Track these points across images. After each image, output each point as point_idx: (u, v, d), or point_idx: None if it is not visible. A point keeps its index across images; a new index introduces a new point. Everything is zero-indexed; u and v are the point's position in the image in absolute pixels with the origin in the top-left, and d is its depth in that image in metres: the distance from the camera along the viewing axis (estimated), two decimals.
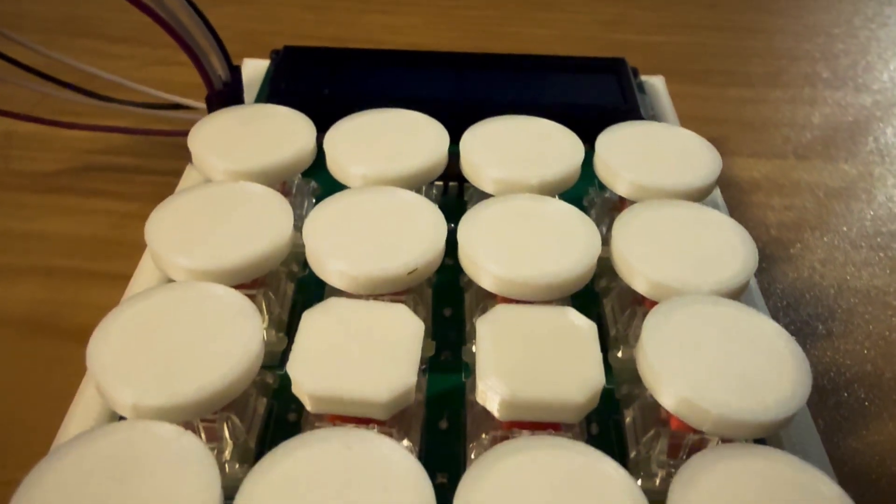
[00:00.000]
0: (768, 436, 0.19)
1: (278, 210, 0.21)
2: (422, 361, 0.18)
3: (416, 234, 0.20)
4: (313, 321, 0.18)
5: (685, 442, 0.18)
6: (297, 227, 0.21)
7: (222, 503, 0.14)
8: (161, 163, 0.32)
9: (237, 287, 0.19)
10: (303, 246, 0.20)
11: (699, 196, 0.23)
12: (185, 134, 0.24)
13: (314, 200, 0.25)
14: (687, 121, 0.32)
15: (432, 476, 0.18)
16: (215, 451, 0.18)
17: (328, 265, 0.19)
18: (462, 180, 0.24)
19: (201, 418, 0.17)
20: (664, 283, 0.19)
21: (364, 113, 0.25)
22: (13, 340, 0.24)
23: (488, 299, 0.21)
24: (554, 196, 0.22)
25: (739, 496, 0.15)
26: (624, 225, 0.21)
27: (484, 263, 0.19)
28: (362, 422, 0.17)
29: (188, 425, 0.17)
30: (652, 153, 0.24)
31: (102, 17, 0.42)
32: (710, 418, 0.16)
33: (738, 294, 0.19)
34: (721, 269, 0.19)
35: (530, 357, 0.17)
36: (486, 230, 0.20)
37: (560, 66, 0.32)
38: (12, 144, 0.33)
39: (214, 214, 0.20)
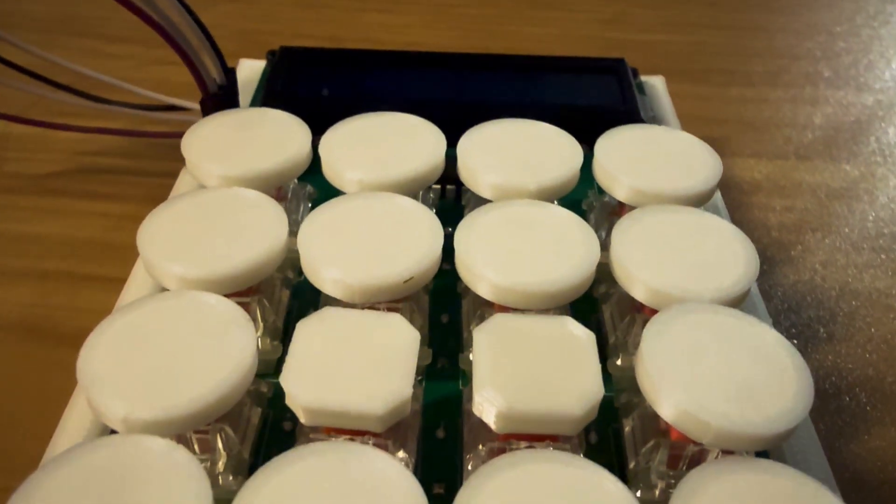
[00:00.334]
0: (770, 448, 0.18)
1: (273, 216, 0.20)
2: (418, 370, 0.18)
3: (413, 241, 0.20)
4: (307, 331, 0.17)
5: (685, 453, 0.18)
6: (293, 232, 0.20)
7: None
8: (157, 164, 0.32)
9: (231, 295, 0.19)
10: (298, 252, 0.20)
11: (699, 201, 0.22)
12: (181, 135, 0.24)
13: (310, 205, 0.25)
14: (687, 121, 0.32)
15: (429, 487, 0.18)
16: (208, 463, 0.18)
17: (323, 273, 0.19)
18: (460, 183, 0.24)
19: (194, 430, 0.17)
20: (664, 290, 0.19)
21: (360, 117, 0.24)
22: (7, 344, 0.24)
23: (486, 306, 0.21)
24: (552, 201, 0.22)
25: None
26: (623, 231, 0.20)
27: (481, 271, 0.19)
28: (358, 433, 0.17)
29: (181, 437, 0.17)
30: (651, 157, 0.23)
31: (100, 16, 0.42)
32: (711, 431, 0.16)
33: (739, 302, 0.19)
34: (722, 276, 0.19)
35: (528, 368, 0.17)
36: (483, 237, 0.20)
37: (559, 67, 0.31)
38: (7, 146, 0.33)
39: (208, 221, 0.20)
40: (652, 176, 0.22)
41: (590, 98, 0.30)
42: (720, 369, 0.17)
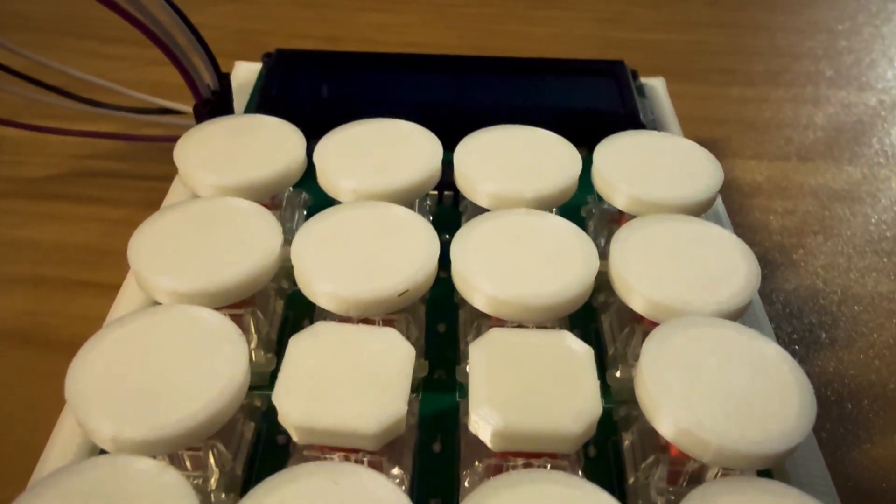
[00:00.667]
0: (771, 467, 0.18)
1: (266, 227, 0.20)
2: (414, 382, 0.17)
3: (408, 253, 0.19)
4: (300, 347, 0.17)
5: (685, 469, 0.17)
6: (288, 240, 0.20)
7: None
8: (151, 168, 0.31)
9: (224, 307, 0.19)
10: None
11: (700, 210, 0.22)
12: (175, 139, 0.23)
13: (305, 212, 0.25)
14: (687, 121, 0.31)
15: (425, 502, 0.18)
16: (200, 480, 0.17)
17: (317, 287, 0.18)
18: (457, 189, 0.24)
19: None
20: (663, 303, 0.18)
21: (354, 123, 0.24)
22: (0, 352, 0.24)
23: (483, 318, 0.20)
24: (551, 210, 0.22)
25: None
26: (622, 241, 0.20)
27: (477, 283, 0.19)
28: (352, 450, 0.17)
29: (172, 454, 0.17)
30: (651, 164, 0.23)
31: (95, 16, 0.41)
32: (711, 450, 0.15)
33: (739, 314, 0.19)
34: (722, 288, 0.19)
35: (525, 385, 0.16)
36: (479, 248, 0.20)
37: (558, 69, 0.31)
38: (0, 150, 0.32)
39: (200, 232, 0.20)
40: (651, 184, 0.22)
41: (589, 102, 0.29)
42: (721, 385, 0.16)
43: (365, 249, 0.19)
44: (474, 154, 0.23)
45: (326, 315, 0.20)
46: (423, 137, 0.24)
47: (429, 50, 0.34)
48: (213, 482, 0.17)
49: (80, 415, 0.15)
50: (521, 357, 0.17)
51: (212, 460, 0.17)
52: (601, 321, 0.22)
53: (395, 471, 0.17)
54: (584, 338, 0.21)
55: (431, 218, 0.25)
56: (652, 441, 0.18)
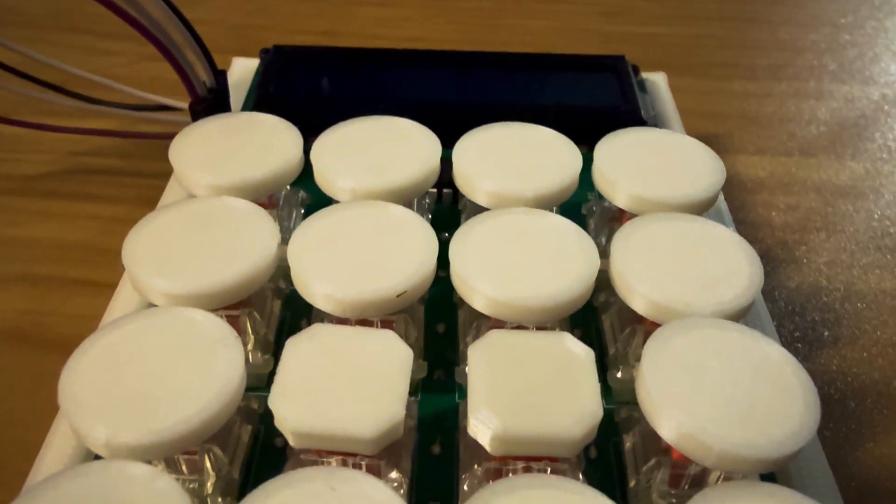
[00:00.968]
0: (775, 471, 0.18)
1: (262, 227, 0.20)
2: (413, 385, 0.17)
3: (406, 253, 0.19)
4: (297, 350, 0.17)
5: (687, 472, 0.17)
6: (286, 239, 0.20)
7: None
8: (148, 164, 0.31)
9: (221, 308, 0.18)
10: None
11: (702, 208, 0.22)
12: (173, 136, 0.23)
13: (303, 210, 0.25)
14: (689, 116, 0.31)
15: None
16: (196, 484, 0.17)
17: (314, 288, 0.18)
18: (456, 187, 0.23)
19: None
20: (664, 303, 0.18)
21: (352, 121, 0.24)
22: None
23: (482, 318, 0.20)
24: (551, 209, 0.21)
25: None
26: (623, 241, 0.20)
27: (476, 284, 0.18)
28: (350, 454, 0.17)
29: (168, 458, 0.17)
30: (653, 162, 0.23)
31: (91, 11, 0.41)
32: (713, 454, 0.15)
33: (742, 315, 0.18)
34: (724, 288, 0.19)
35: (524, 388, 0.16)
36: (478, 248, 0.19)
37: (558, 65, 0.31)
38: None
39: (195, 233, 0.20)
40: (653, 182, 0.22)
41: (590, 98, 0.29)
42: (723, 388, 0.16)
43: (362, 250, 0.19)
44: (473, 152, 0.23)
45: (324, 316, 0.19)
46: (422, 135, 0.23)
47: (427, 44, 0.34)
48: (209, 486, 0.17)
49: (73, 420, 0.15)
50: (520, 359, 0.17)
51: (208, 464, 0.17)
52: (602, 321, 0.22)
53: (394, 474, 0.17)
54: (585, 337, 0.21)
55: (430, 216, 0.25)
56: (653, 443, 0.18)
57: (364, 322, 0.19)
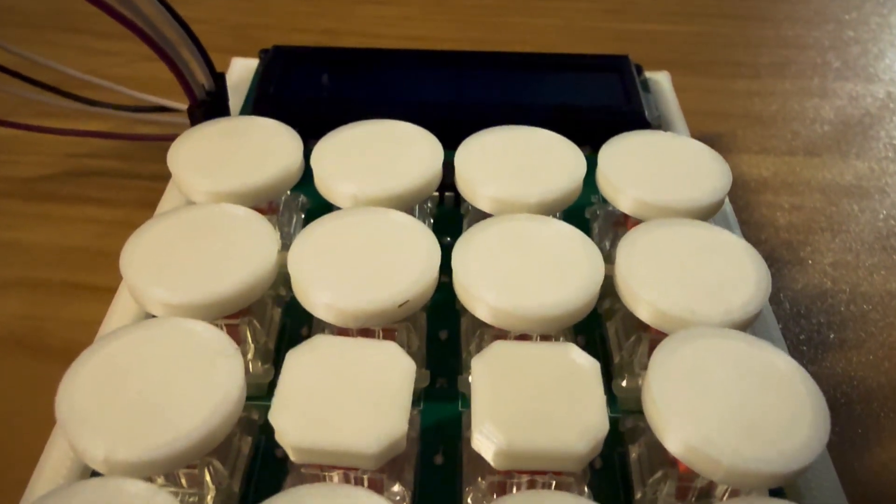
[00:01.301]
0: (784, 486, 0.18)
1: (262, 235, 0.19)
2: (415, 394, 0.17)
3: (408, 262, 0.19)
4: (297, 362, 0.17)
5: (695, 485, 0.17)
6: (286, 245, 0.20)
7: None
8: (147, 167, 0.31)
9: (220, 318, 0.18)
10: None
11: (707, 214, 0.21)
12: (172, 138, 0.23)
13: (304, 216, 0.24)
14: (692, 116, 0.31)
15: None
16: (196, 499, 0.17)
17: (314, 298, 0.18)
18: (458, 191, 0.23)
19: None
20: (670, 312, 0.18)
21: (353, 125, 0.24)
22: None
23: (485, 327, 0.20)
24: (555, 214, 0.21)
25: None
26: (628, 247, 0.20)
27: (479, 293, 0.18)
28: (352, 467, 0.16)
29: (167, 473, 0.16)
30: (658, 167, 0.22)
31: (90, 11, 0.41)
32: (722, 469, 0.15)
33: (750, 323, 0.18)
34: (731, 296, 0.18)
35: (528, 401, 0.16)
36: (481, 256, 0.19)
37: (561, 65, 0.30)
38: None
39: (194, 241, 0.19)
40: (658, 187, 0.22)
41: (593, 98, 0.29)
42: (731, 400, 0.16)
43: (363, 258, 0.19)
44: (476, 156, 0.23)
45: (325, 325, 0.19)
46: (423, 140, 0.23)
47: (429, 43, 0.34)
48: (209, 500, 0.17)
49: (70, 436, 0.15)
50: (524, 371, 0.16)
51: (208, 478, 0.17)
52: (606, 328, 0.22)
53: (396, 487, 0.17)
54: (589, 344, 0.21)
55: (432, 220, 0.25)
56: (660, 455, 0.17)
57: (366, 331, 0.19)
